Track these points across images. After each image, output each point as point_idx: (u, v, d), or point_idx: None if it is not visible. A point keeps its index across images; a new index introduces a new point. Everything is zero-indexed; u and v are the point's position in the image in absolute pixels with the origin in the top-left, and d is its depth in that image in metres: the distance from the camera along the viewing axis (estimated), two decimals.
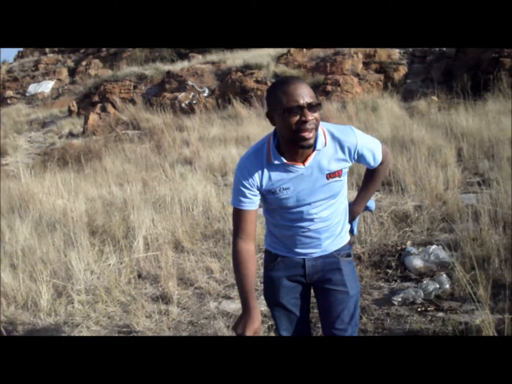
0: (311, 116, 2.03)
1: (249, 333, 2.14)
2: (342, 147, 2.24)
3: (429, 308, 4.01)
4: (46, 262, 5.28)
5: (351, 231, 2.64)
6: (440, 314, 3.91)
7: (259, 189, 2.26)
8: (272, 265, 2.51)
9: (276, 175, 2.23)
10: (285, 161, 2.20)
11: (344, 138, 2.24)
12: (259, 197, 2.29)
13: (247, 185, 2.24)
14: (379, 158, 2.41)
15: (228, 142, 11.13)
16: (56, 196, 7.85)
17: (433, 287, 4.19)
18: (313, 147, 2.18)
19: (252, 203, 2.26)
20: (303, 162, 2.21)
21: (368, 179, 2.63)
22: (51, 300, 4.73)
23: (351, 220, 2.61)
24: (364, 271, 4.69)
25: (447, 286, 4.23)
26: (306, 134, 2.05)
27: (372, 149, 2.35)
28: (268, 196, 2.29)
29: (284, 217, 2.36)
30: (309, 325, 2.72)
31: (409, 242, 5.11)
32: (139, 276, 5.21)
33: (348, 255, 2.52)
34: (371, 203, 2.78)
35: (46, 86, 28.65)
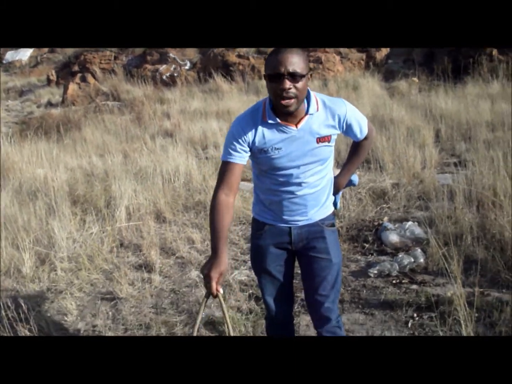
0: (288, 85, 2.13)
1: (214, 274, 2.24)
2: (332, 115, 2.34)
3: (403, 281, 4.16)
4: (28, 230, 5.30)
5: (335, 205, 2.72)
6: (414, 286, 4.06)
7: (252, 146, 2.34)
8: (259, 233, 2.60)
9: (269, 134, 2.32)
10: (279, 121, 2.29)
11: (335, 107, 2.35)
12: (248, 154, 2.37)
13: (239, 140, 2.32)
14: (365, 132, 2.52)
15: (209, 115, 11.13)
16: (36, 165, 7.84)
17: (408, 261, 4.34)
18: (305, 112, 2.29)
19: (241, 157, 2.34)
20: (296, 124, 2.31)
21: (353, 152, 2.74)
22: (34, 267, 4.78)
23: (335, 193, 2.70)
24: (342, 245, 4.80)
25: (421, 260, 4.38)
26: (284, 102, 2.16)
27: (360, 121, 2.46)
28: (260, 155, 2.37)
29: (273, 180, 2.45)
30: (293, 291, 2.81)
31: (386, 218, 5.25)
32: (121, 245, 5.27)
33: (332, 225, 2.62)
34: (355, 177, 2.86)
35: (24, 54, 28.07)
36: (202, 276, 2.33)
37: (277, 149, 2.33)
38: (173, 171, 6.81)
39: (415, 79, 13.53)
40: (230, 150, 2.33)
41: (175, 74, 16.79)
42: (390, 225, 4.96)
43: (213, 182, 6.31)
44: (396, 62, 15.64)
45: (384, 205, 5.60)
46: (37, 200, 6.10)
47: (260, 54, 16.22)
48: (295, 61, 2.14)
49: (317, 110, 2.32)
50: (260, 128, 2.32)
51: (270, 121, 2.30)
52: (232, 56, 16.39)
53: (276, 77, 2.14)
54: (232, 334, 2.32)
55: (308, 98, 2.31)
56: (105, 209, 5.78)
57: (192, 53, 17.55)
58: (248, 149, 2.34)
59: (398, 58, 15.76)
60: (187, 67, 17.07)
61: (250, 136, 2.32)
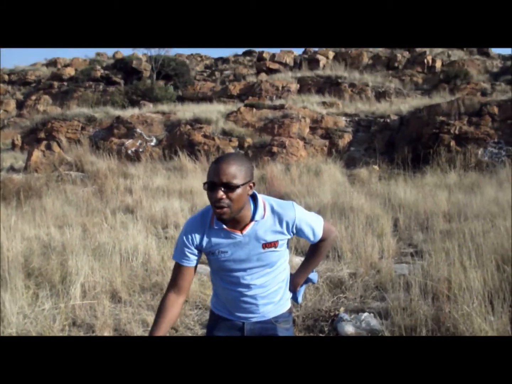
0: (220, 195, 2.20)
1: None
2: (280, 220, 2.41)
3: None
4: None
5: (295, 299, 2.76)
6: None
7: (200, 249, 2.43)
8: (214, 324, 2.64)
9: (216, 239, 2.40)
10: (224, 227, 2.36)
11: (283, 212, 2.41)
12: (197, 257, 2.45)
13: (188, 244, 2.41)
14: (319, 234, 2.56)
15: (172, 194, 11.18)
16: None
17: None
18: (251, 218, 2.37)
19: (190, 260, 2.42)
20: (241, 230, 2.38)
21: (310, 253, 2.79)
22: None
23: (293, 290, 2.73)
24: (297, 335, 4.78)
25: None
26: (218, 210, 2.24)
27: (312, 225, 2.51)
28: (209, 257, 2.45)
29: (224, 280, 2.50)
30: None
31: (342, 309, 5.26)
32: (74, 324, 5.13)
33: (287, 323, 2.64)
34: (314, 276, 2.90)
35: None
36: None
37: (224, 252, 2.40)
38: (131, 250, 6.74)
39: (376, 167, 13.91)
40: (181, 253, 2.43)
41: (141, 150, 16.91)
42: (346, 316, 4.98)
43: (171, 264, 6.27)
44: (358, 149, 16.08)
45: (341, 295, 5.62)
46: None
47: (226, 135, 16.52)
48: (230, 172, 2.21)
49: (263, 217, 2.38)
50: (207, 232, 2.40)
51: (216, 227, 2.38)
52: (197, 135, 16.65)
53: (211, 186, 2.23)
54: None
55: (255, 204, 2.39)
56: (59, 285, 5.66)
57: (158, 129, 17.77)
58: (196, 251, 2.43)
59: (360, 146, 16.22)
60: (153, 143, 17.24)
61: (198, 239, 2.40)
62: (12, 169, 16.73)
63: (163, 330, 2.35)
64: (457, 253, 5.58)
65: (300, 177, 12.33)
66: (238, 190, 2.23)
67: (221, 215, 2.25)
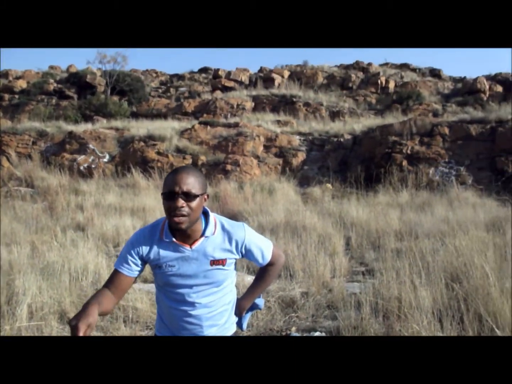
0: (181, 203, 2.21)
1: (82, 324, 1.98)
2: (230, 239, 2.42)
3: None
4: None
5: (240, 326, 2.73)
6: None
7: (147, 260, 2.40)
8: None
9: (164, 252, 2.38)
10: (174, 240, 2.36)
11: (234, 231, 2.42)
12: (139, 268, 2.40)
13: (133, 253, 2.38)
14: (268, 258, 2.57)
15: (124, 212, 11.06)
16: None
17: None
18: (201, 233, 2.37)
19: (131, 270, 2.37)
20: (191, 244, 2.37)
21: (258, 277, 2.77)
22: None
23: (238, 314, 2.71)
24: None
25: None
26: (176, 219, 2.23)
27: (261, 247, 2.52)
28: (155, 270, 2.43)
29: (169, 297, 2.47)
30: None
31: (293, 328, 5.26)
32: None
33: None
34: (260, 301, 2.87)
35: None
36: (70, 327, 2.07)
37: (171, 266, 2.38)
38: (81, 269, 6.62)
39: (329, 185, 14.07)
40: (123, 261, 2.39)
41: (93, 166, 16.71)
42: (297, 335, 4.98)
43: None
44: (311, 168, 16.23)
45: (293, 314, 5.62)
46: None
47: (180, 153, 16.47)
48: (190, 181, 2.24)
49: (214, 233, 2.39)
50: (156, 244, 2.39)
51: (166, 239, 2.37)
52: (151, 152, 16.55)
53: (170, 195, 2.22)
54: None
55: (207, 220, 2.40)
56: (5, 306, 5.51)
57: (111, 146, 17.59)
58: (140, 263, 2.39)
59: (313, 165, 16.38)
60: (105, 160, 17.05)
61: (145, 251, 2.38)
62: None
63: (98, 302, 2.17)
64: (408, 271, 5.67)
65: (254, 195, 12.36)
66: (197, 200, 2.25)
67: (179, 224, 2.24)
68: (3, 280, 6.20)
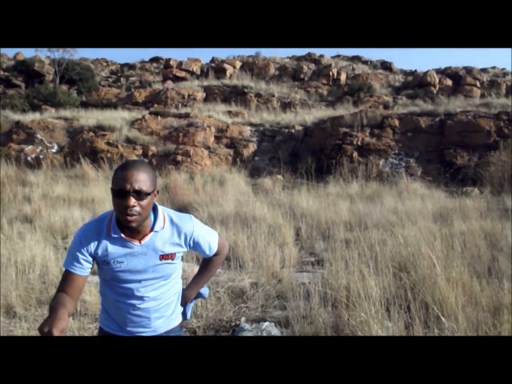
0: (132, 202, 2.16)
1: (56, 331, 1.95)
2: (179, 233, 2.40)
3: None
4: None
5: (184, 316, 2.73)
6: None
7: (95, 256, 2.34)
8: None
9: (112, 247, 2.33)
10: (123, 235, 2.31)
11: (182, 225, 2.41)
12: (91, 265, 2.35)
13: (82, 250, 2.31)
14: (215, 249, 2.58)
15: (72, 203, 10.88)
16: None
17: None
18: (150, 228, 2.33)
19: (83, 268, 2.31)
20: (140, 240, 2.33)
21: (203, 267, 2.78)
22: None
23: (183, 304, 2.71)
24: None
25: None
26: (128, 218, 2.19)
27: (208, 239, 2.53)
28: (102, 266, 2.37)
29: (116, 292, 2.43)
30: None
31: (243, 318, 5.28)
32: None
33: None
34: (205, 290, 2.89)
35: None
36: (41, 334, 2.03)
37: (119, 262, 2.34)
38: (28, 262, 6.49)
39: (280, 176, 14.13)
40: (73, 260, 2.31)
41: (41, 156, 16.36)
42: (247, 326, 4.99)
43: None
44: (262, 159, 16.27)
45: (243, 305, 5.65)
46: None
47: (130, 143, 16.28)
48: (142, 179, 2.19)
49: (163, 227, 2.37)
50: (103, 240, 2.33)
51: (114, 235, 2.32)
52: (101, 142, 16.31)
53: (121, 193, 2.17)
54: None
55: (155, 214, 2.36)
56: None
57: (60, 136, 17.25)
58: (91, 259, 2.33)
59: (264, 156, 16.42)
60: (54, 150, 16.71)
61: (93, 247, 2.32)
62: None
63: (64, 303, 2.14)
64: (357, 261, 5.74)
65: (204, 186, 12.33)
66: (149, 198, 2.22)
67: (130, 223, 2.20)
68: None
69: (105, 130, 16.91)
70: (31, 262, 6.53)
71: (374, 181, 13.11)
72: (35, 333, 4.98)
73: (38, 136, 17.11)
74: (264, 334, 4.87)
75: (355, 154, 15.12)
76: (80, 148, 16.29)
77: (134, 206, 2.17)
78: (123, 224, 2.25)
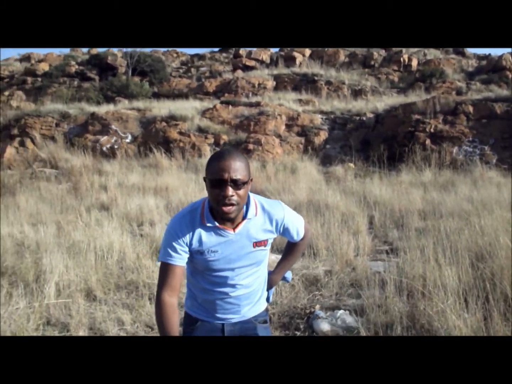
0: (231, 192, 2.14)
1: None
2: (270, 219, 2.38)
3: None
4: None
5: (267, 299, 2.74)
6: None
7: (189, 247, 2.32)
8: (191, 328, 2.55)
9: (206, 237, 2.32)
10: (217, 224, 2.30)
11: (273, 211, 2.39)
12: (187, 255, 2.33)
13: (178, 241, 2.29)
14: (302, 234, 2.57)
15: (147, 191, 11.12)
16: None
17: None
18: (243, 216, 2.32)
19: (181, 259, 2.31)
20: (234, 228, 2.32)
21: (288, 252, 2.77)
22: None
23: (268, 288, 2.73)
24: (273, 332, 4.78)
25: None
26: (226, 209, 2.17)
27: (297, 224, 2.51)
28: (196, 256, 2.35)
29: (208, 281, 2.43)
30: None
31: (317, 306, 5.29)
32: (48, 323, 5.08)
33: (265, 321, 2.63)
34: (289, 274, 2.90)
35: None
36: None
37: (214, 251, 2.33)
38: (106, 248, 6.70)
39: (351, 165, 13.98)
40: (170, 251, 2.30)
41: (116, 146, 16.79)
42: (321, 313, 4.99)
43: (146, 261, 6.25)
44: (333, 147, 16.14)
45: (317, 292, 5.64)
46: None
47: (202, 132, 16.47)
48: (238, 168, 2.16)
49: (256, 214, 2.35)
50: (197, 230, 2.31)
51: (208, 224, 2.30)
52: (173, 132, 16.57)
53: (218, 183, 2.15)
54: None
55: (247, 202, 2.33)
56: (33, 284, 5.61)
57: (134, 126, 17.64)
58: (187, 249, 2.31)
59: (335, 144, 16.27)
60: (128, 140, 17.11)
61: (188, 237, 2.30)
62: None
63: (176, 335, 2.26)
64: (432, 250, 5.63)
65: (276, 174, 12.36)
66: (246, 187, 2.20)
67: (228, 214, 2.19)
68: (30, 259, 6.30)
69: (177, 120, 17.15)
70: (109, 248, 6.73)
71: (448, 169, 12.79)
72: (114, 316, 5.16)
73: (113, 126, 17.55)
74: (339, 322, 4.86)
75: (427, 141, 14.76)
76: (153, 138, 16.61)
77: (232, 195, 2.15)
78: (221, 215, 2.23)
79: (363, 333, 4.33)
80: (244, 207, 2.32)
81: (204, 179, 2.26)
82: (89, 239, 6.96)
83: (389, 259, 6.44)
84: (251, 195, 2.37)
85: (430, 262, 5.37)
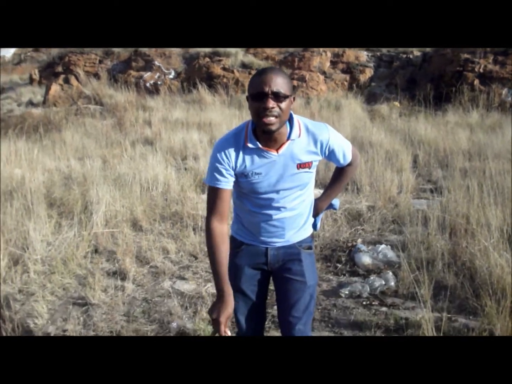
0: (272, 104, 2.12)
1: (223, 318, 2.29)
2: (315, 141, 2.34)
3: (373, 303, 4.23)
4: (2, 230, 5.24)
5: (314, 226, 2.74)
6: (384, 308, 4.13)
7: (234, 170, 2.32)
8: (236, 251, 2.58)
9: (250, 159, 2.31)
10: (260, 146, 2.29)
11: (318, 133, 2.34)
12: (233, 178, 2.35)
13: (224, 164, 2.30)
14: (349, 158, 2.51)
15: (190, 126, 11.13)
16: (14, 165, 7.78)
17: (379, 284, 4.40)
18: (286, 137, 2.30)
19: (228, 182, 2.32)
20: (277, 149, 2.30)
21: (336, 178, 2.74)
22: (6, 268, 4.72)
23: (314, 215, 2.71)
24: (316, 264, 4.85)
25: (392, 283, 4.44)
26: (266, 120, 2.14)
27: (343, 147, 2.45)
28: (240, 179, 2.36)
29: (253, 203, 2.45)
30: (265, 311, 2.84)
31: (359, 240, 5.32)
32: (96, 251, 5.26)
33: (309, 248, 2.64)
34: (336, 202, 2.87)
35: (8, 51, 27.78)
36: (210, 317, 2.37)
37: (257, 174, 2.33)
38: (151, 180, 6.82)
39: (397, 103, 13.70)
40: (217, 175, 2.32)
41: (159, 82, 16.77)
42: (363, 247, 5.03)
43: (191, 193, 6.35)
44: (379, 85, 15.80)
45: (359, 227, 5.67)
46: (13, 201, 6.06)
47: (245, 68, 16.30)
48: (280, 81, 2.15)
49: (299, 135, 2.31)
50: (241, 152, 2.31)
51: (251, 146, 2.29)
52: (217, 68, 16.45)
53: (259, 96, 2.14)
54: None
55: (291, 123, 2.31)
56: (81, 214, 5.77)
57: (177, 62, 17.57)
58: (233, 172, 2.33)
59: (381, 82, 15.93)
60: (171, 76, 17.07)
61: (232, 160, 2.31)
62: (30, 103, 16.69)
63: (225, 271, 2.34)
64: (477, 190, 5.56)
65: (320, 111, 12.22)
66: (287, 101, 2.18)
67: (269, 126, 2.16)
68: (78, 191, 6.47)
69: (221, 56, 16.97)
70: (154, 180, 6.85)
71: (496, 111, 12.38)
72: (159, 245, 5.30)
73: (156, 63, 17.49)
74: (380, 256, 4.90)
75: (476, 82, 14.27)
76: (196, 74, 16.52)
77: (273, 107, 2.13)
78: (262, 129, 2.22)
79: (405, 267, 4.35)
80: (288, 127, 2.30)
81: (247, 98, 2.25)
82: (134, 172, 7.08)
83: (432, 198, 6.40)
84: (295, 116, 2.34)
85: (474, 201, 5.32)
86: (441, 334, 3.35)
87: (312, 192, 2.59)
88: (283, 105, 2.16)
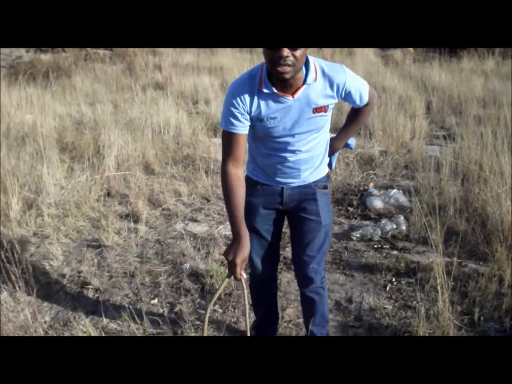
0: (286, 53, 2.05)
1: (239, 260, 2.30)
2: (331, 84, 2.28)
3: (384, 246, 4.26)
4: (16, 174, 5.25)
5: (329, 166, 2.73)
6: (395, 252, 4.16)
7: (249, 114, 2.29)
8: (251, 191, 2.57)
9: (265, 104, 2.27)
10: (275, 91, 2.23)
11: (334, 75, 2.28)
12: (249, 123, 2.31)
13: (239, 108, 2.25)
14: (365, 99, 2.45)
15: (201, 71, 11.01)
16: (25, 111, 7.76)
17: (390, 227, 4.42)
18: (302, 81, 2.24)
19: (243, 127, 2.29)
20: (293, 94, 2.25)
21: (352, 118, 2.68)
22: (21, 212, 4.77)
23: (330, 155, 2.70)
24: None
25: (404, 227, 4.46)
26: (281, 69, 2.08)
27: (360, 88, 2.39)
28: (255, 123, 2.33)
29: (268, 146, 2.43)
30: (279, 251, 2.87)
31: (371, 184, 5.32)
32: (109, 194, 5.29)
33: (325, 187, 2.63)
34: (352, 141, 2.85)
35: None
36: (226, 259, 2.38)
37: (273, 118, 2.29)
38: (163, 124, 6.80)
39: (411, 49, 13.47)
40: (232, 120, 2.27)
41: None
42: (375, 191, 5.03)
43: (202, 137, 6.34)
44: None
45: (371, 172, 5.67)
46: (25, 146, 6.08)
47: None
48: None
49: (315, 79, 2.25)
50: (256, 96, 2.25)
51: (266, 90, 2.24)
52: None
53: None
54: (248, 326, 2.45)
55: (307, 66, 2.24)
56: (93, 158, 5.78)
57: None
58: (248, 117, 2.28)
59: None
60: None
61: (248, 104, 2.25)
62: (39, 49, 16.53)
63: (242, 215, 2.34)
64: (490, 138, 5.50)
65: (333, 56, 12.03)
66: (302, 49, 2.10)
67: (283, 74, 2.10)
68: (90, 135, 6.47)
69: None
70: (165, 124, 6.83)
71: None
72: (171, 188, 5.32)
73: None
74: (392, 200, 4.90)
75: None
76: None
77: (287, 56, 2.06)
78: (276, 77, 2.15)
79: (416, 211, 4.35)
80: (304, 71, 2.24)
81: None
82: (145, 116, 7.06)
83: (445, 144, 6.34)
84: (311, 59, 2.26)
85: (488, 148, 5.27)
86: (451, 279, 3.36)
87: (327, 133, 2.55)
88: (298, 53, 2.09)
